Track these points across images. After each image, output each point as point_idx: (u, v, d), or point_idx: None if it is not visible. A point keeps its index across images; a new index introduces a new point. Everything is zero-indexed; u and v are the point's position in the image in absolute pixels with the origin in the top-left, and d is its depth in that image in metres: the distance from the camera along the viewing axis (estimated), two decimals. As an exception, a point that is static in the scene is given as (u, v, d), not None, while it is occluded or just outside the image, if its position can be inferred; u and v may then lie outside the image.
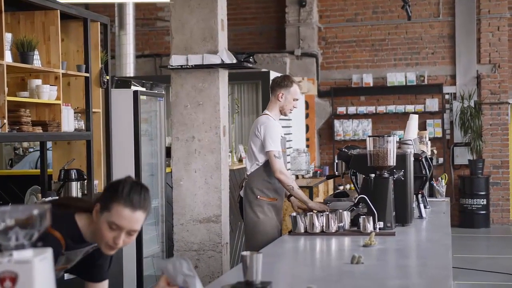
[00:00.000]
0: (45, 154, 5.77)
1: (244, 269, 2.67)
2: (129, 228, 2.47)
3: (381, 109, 12.43)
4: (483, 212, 11.92)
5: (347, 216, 4.26)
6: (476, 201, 11.88)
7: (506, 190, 12.28)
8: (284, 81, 5.20)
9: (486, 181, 11.97)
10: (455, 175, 12.35)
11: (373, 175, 4.33)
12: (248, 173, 5.19)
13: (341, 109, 12.59)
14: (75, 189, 5.48)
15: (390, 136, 4.37)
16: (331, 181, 11.04)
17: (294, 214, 4.28)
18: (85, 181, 5.60)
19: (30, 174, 6.29)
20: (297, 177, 9.96)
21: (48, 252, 1.81)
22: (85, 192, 5.62)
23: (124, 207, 2.45)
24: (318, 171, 11.09)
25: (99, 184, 5.86)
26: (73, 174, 5.45)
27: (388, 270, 3.15)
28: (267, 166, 5.07)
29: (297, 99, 5.21)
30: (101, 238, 2.50)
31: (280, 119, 5.26)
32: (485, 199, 11.90)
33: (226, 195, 6.00)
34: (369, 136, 4.40)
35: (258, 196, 5.09)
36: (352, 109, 12.55)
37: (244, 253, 2.67)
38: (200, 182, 5.77)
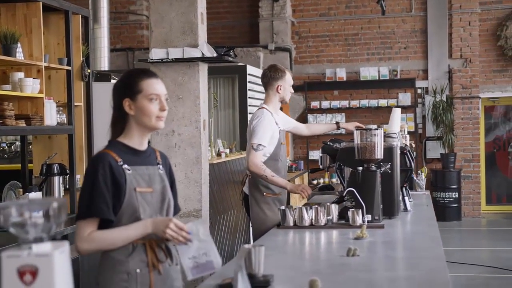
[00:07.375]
0: (25, 148, 5.68)
1: (246, 262, 2.67)
2: (163, 92, 2.81)
3: (355, 103, 12.49)
4: (455, 205, 12.07)
5: (335, 210, 4.27)
6: (448, 194, 12.03)
7: (477, 183, 12.44)
8: (278, 73, 5.25)
9: (457, 175, 12.12)
10: (427, 169, 12.47)
11: (360, 168, 4.34)
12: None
13: (314, 104, 12.63)
14: (57, 184, 5.41)
15: (377, 129, 4.38)
16: (305, 175, 11.09)
17: (283, 207, 4.29)
18: (67, 175, 5.53)
19: (10, 169, 6.19)
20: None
21: (66, 245, 1.79)
22: (67, 187, 5.56)
23: (149, 78, 2.80)
24: (293, 166, 11.13)
25: (81, 179, 5.79)
26: (56, 168, 5.37)
27: (384, 262, 3.17)
28: (270, 161, 5.02)
29: (292, 84, 5.37)
30: (149, 116, 2.77)
31: None
32: (456, 193, 12.06)
33: (206, 189, 5.98)
34: (357, 129, 4.41)
35: (264, 193, 5.06)
36: (325, 104, 12.59)
37: (247, 246, 2.67)
38: (181, 176, 5.75)
